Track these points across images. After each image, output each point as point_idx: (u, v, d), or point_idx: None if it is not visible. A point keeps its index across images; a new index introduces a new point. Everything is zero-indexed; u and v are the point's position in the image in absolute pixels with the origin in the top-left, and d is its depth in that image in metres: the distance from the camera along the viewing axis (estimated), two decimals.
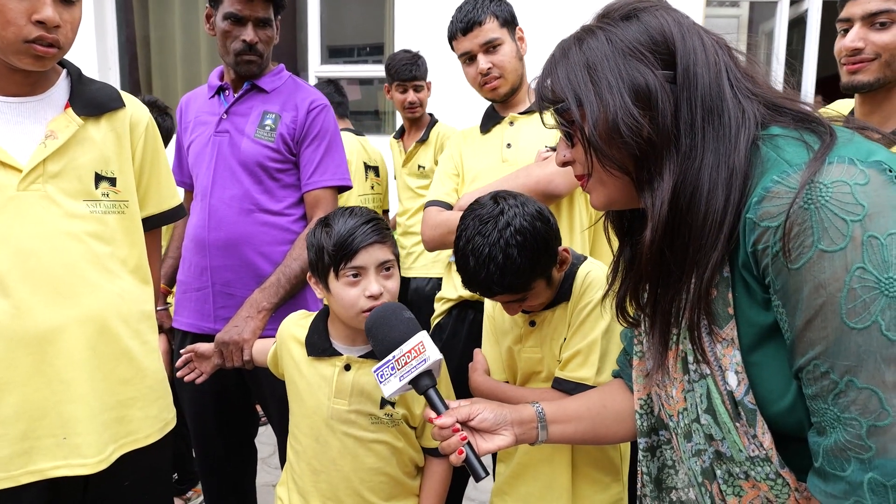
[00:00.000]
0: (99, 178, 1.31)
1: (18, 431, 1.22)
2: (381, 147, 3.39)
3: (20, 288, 1.20)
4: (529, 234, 1.21)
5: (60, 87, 1.31)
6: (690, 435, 0.90)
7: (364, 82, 5.09)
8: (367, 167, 3.20)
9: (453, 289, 1.88)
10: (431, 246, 1.82)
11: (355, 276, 1.28)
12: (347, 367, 1.35)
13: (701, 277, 0.80)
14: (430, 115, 3.23)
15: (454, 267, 1.90)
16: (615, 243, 1.03)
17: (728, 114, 0.80)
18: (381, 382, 1.13)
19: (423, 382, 1.11)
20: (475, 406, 1.10)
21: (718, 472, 0.86)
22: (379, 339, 1.16)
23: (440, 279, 2.13)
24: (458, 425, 1.07)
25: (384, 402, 1.34)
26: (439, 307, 1.95)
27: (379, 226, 1.31)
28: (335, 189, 1.92)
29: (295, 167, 1.90)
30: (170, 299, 2.18)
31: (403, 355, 1.11)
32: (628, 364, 1.13)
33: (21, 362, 1.21)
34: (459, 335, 1.85)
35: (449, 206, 1.84)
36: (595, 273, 1.34)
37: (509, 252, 1.19)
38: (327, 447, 1.35)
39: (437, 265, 2.99)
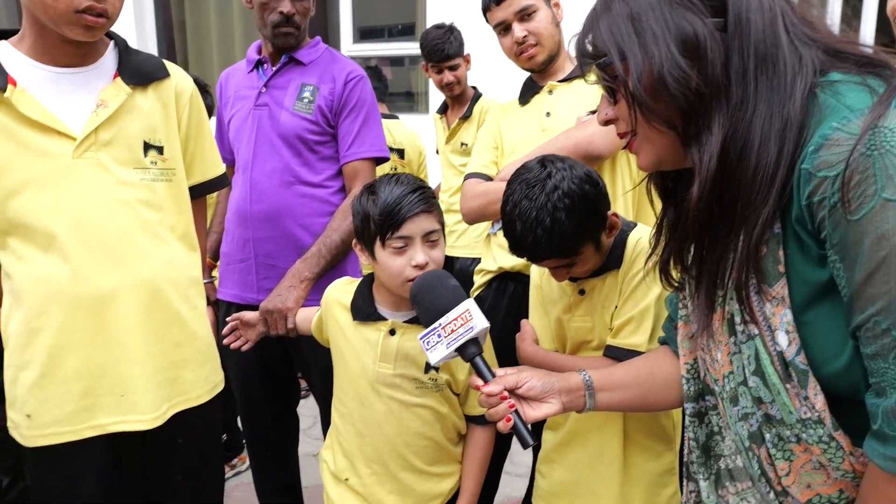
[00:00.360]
0: (147, 147, 1.35)
1: (81, 389, 1.28)
2: (416, 126, 3.39)
3: (78, 254, 1.25)
4: (578, 196, 1.19)
5: (109, 58, 1.35)
6: (737, 399, 0.87)
7: (395, 63, 5.09)
8: (389, 150, 3.21)
9: (493, 261, 1.87)
10: (470, 218, 1.81)
11: (401, 245, 1.28)
12: (392, 332, 1.36)
13: (750, 234, 0.77)
14: (474, 88, 3.14)
15: (493, 239, 1.93)
16: (658, 205, 1.00)
17: (783, 61, 0.76)
18: (427, 350, 1.13)
19: (469, 350, 1.10)
20: (522, 374, 1.09)
21: (767, 436, 0.84)
22: (424, 307, 1.16)
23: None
24: (506, 393, 1.06)
25: (428, 367, 1.34)
26: (479, 279, 1.94)
27: (425, 194, 1.30)
28: (373, 160, 1.94)
29: (333, 139, 1.91)
30: (214, 273, 2.23)
31: (450, 323, 1.11)
32: (674, 329, 1.10)
33: (82, 324, 1.26)
34: (499, 307, 1.85)
35: (488, 178, 1.82)
36: (646, 239, 1.30)
37: (557, 216, 1.18)
38: (372, 410, 1.37)
39: (480, 244, 2.99)
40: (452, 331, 1.10)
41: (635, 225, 1.38)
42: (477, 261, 3.00)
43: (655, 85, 0.78)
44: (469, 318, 1.10)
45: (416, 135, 3.34)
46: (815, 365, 0.77)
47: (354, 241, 1.39)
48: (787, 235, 0.76)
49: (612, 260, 1.33)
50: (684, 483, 1.03)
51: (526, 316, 1.48)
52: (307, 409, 3.42)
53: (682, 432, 1.41)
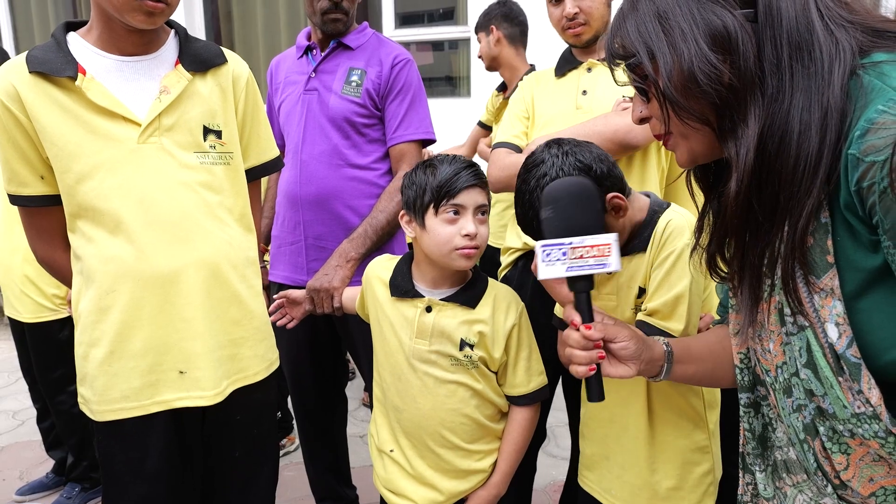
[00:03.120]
0: (207, 131, 1.38)
1: (147, 365, 1.33)
2: (459, 111, 3.39)
3: (144, 234, 1.30)
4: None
5: (170, 46, 1.39)
6: (790, 390, 0.85)
7: (436, 47, 5.09)
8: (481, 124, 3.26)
9: (516, 237, 1.87)
10: (497, 187, 1.81)
11: (455, 213, 1.33)
12: (429, 309, 1.39)
13: (795, 226, 0.75)
14: (532, 66, 3.07)
15: None
16: (700, 198, 0.99)
17: (819, 47, 0.74)
18: (542, 261, 1.01)
19: (581, 284, 1.01)
20: (622, 331, 1.04)
21: (821, 429, 0.82)
22: (562, 216, 1.02)
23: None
24: (601, 342, 1.02)
25: (463, 344, 1.37)
26: (505, 259, 1.94)
27: (478, 172, 1.37)
28: (419, 143, 1.96)
29: (380, 122, 1.94)
30: (266, 257, 2.28)
31: (584, 247, 0.99)
32: (728, 315, 1.08)
33: (148, 301, 1.31)
34: (526, 287, 1.84)
35: (517, 149, 1.82)
36: (677, 221, 1.31)
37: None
38: (408, 385, 1.40)
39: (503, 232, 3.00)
40: (581, 256, 0.99)
41: (668, 205, 1.36)
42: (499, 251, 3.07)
43: (686, 82, 0.78)
44: (607, 254, 0.99)
45: None
46: (871, 355, 0.74)
47: (402, 212, 1.42)
48: (836, 223, 0.74)
49: (640, 241, 1.33)
50: (741, 475, 1.02)
51: (553, 300, 1.47)
52: (351, 392, 3.50)
53: (726, 416, 1.42)
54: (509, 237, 1.94)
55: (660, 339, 1.13)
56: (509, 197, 2.40)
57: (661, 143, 1.69)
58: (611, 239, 0.99)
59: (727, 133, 0.79)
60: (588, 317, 1.02)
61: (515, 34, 2.99)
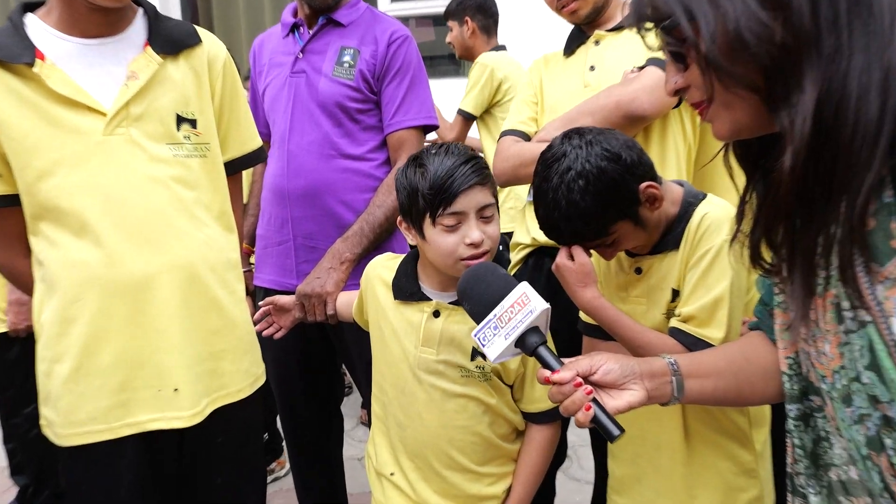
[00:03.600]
0: (180, 120, 1.38)
1: (117, 382, 1.32)
2: (460, 93, 3.41)
3: (112, 236, 1.30)
4: (593, 176, 1.23)
5: (138, 26, 1.39)
6: (850, 398, 0.83)
7: (438, 22, 5.08)
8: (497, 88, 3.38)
9: (526, 233, 1.87)
10: (502, 180, 1.81)
11: (454, 223, 1.30)
12: (437, 314, 1.38)
13: (853, 205, 0.73)
14: (502, 46, 3.36)
15: (529, 210, 1.90)
16: (739, 179, 0.97)
17: (878, 2, 0.73)
18: (483, 346, 1.12)
19: (531, 340, 1.10)
20: (596, 357, 1.07)
21: (888, 442, 0.79)
22: (475, 299, 1.17)
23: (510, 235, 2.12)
24: (580, 379, 1.03)
25: (475, 354, 1.36)
26: (514, 256, 1.95)
27: (478, 165, 1.32)
28: (421, 129, 1.95)
29: (376, 107, 1.94)
30: (251, 259, 2.28)
31: (506, 311, 1.11)
32: (768, 315, 1.08)
33: (118, 311, 1.31)
34: (537, 287, 1.80)
35: (525, 137, 1.82)
36: (714, 214, 1.30)
37: (572, 198, 1.23)
38: (413, 399, 1.39)
39: (507, 218, 3.02)
40: (509, 319, 1.10)
41: (704, 196, 1.36)
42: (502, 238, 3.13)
43: (732, 44, 0.76)
44: (526, 302, 1.10)
45: (522, 67, 3.39)
46: None
47: (399, 218, 1.42)
48: None
49: (673, 237, 1.33)
50: (789, 499, 1.00)
51: (566, 298, 1.46)
52: (348, 409, 3.50)
53: (775, 433, 1.40)
54: (518, 232, 1.93)
55: (663, 355, 1.12)
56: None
57: (681, 115, 1.72)
58: (522, 288, 1.12)
59: (779, 100, 0.77)
60: (555, 364, 1.06)
61: (489, 24, 3.38)
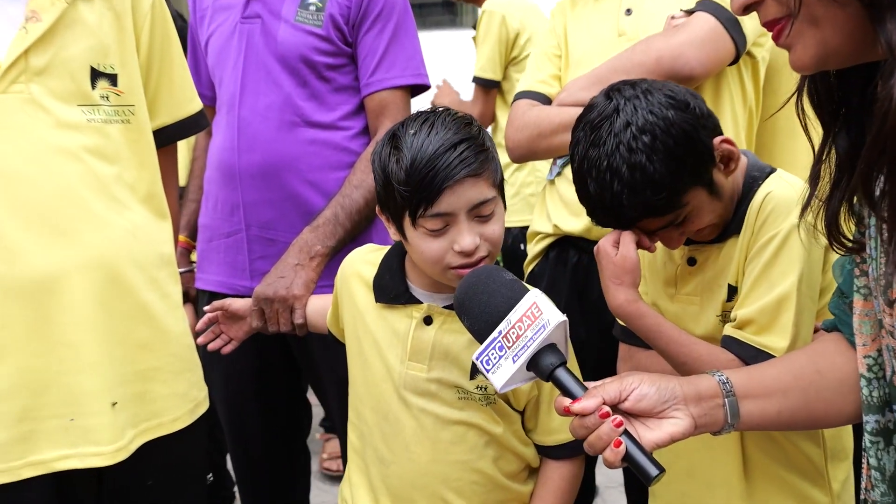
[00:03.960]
0: (96, 75, 1.36)
1: (16, 410, 1.29)
2: (460, 46, 3.40)
3: (8, 224, 1.27)
4: (660, 129, 1.21)
5: None
6: None
7: None
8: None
9: (547, 220, 1.88)
10: (517, 154, 1.82)
11: (439, 227, 1.27)
12: (428, 321, 1.37)
13: None
14: None
15: (550, 190, 1.94)
16: (815, 133, 0.97)
17: None
18: (487, 373, 1.13)
19: (545, 361, 1.09)
20: (627, 380, 1.07)
21: None
22: (475, 314, 1.16)
23: (526, 229, 2.14)
24: (607, 408, 1.03)
25: (476, 371, 1.34)
26: (532, 248, 1.96)
27: (473, 146, 1.27)
28: (407, 90, 1.94)
29: (351, 62, 1.92)
30: (193, 257, 2.27)
31: (513, 327, 1.10)
32: (848, 309, 1.07)
33: (16, 320, 1.28)
34: (560, 285, 1.86)
35: (545, 100, 1.82)
36: (781, 193, 1.30)
37: (636, 160, 1.21)
38: (398, 427, 1.39)
39: (522, 206, 3.01)
40: (517, 337, 1.10)
41: (770, 171, 1.37)
42: (514, 232, 3.10)
43: None
44: (537, 315, 1.09)
45: (542, 14, 3.39)
46: None
47: (378, 208, 1.40)
48: None
49: (734, 221, 1.34)
50: None
51: (595, 297, 1.48)
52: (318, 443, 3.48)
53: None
54: (538, 219, 1.94)
55: (712, 372, 1.11)
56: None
57: (740, 71, 1.73)
58: (532, 297, 1.11)
59: (885, 9, 0.77)
60: (577, 390, 1.07)
61: None
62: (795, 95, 0.97)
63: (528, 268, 1.96)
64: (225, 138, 1.94)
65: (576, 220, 1.79)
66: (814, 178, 0.96)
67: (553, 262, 1.88)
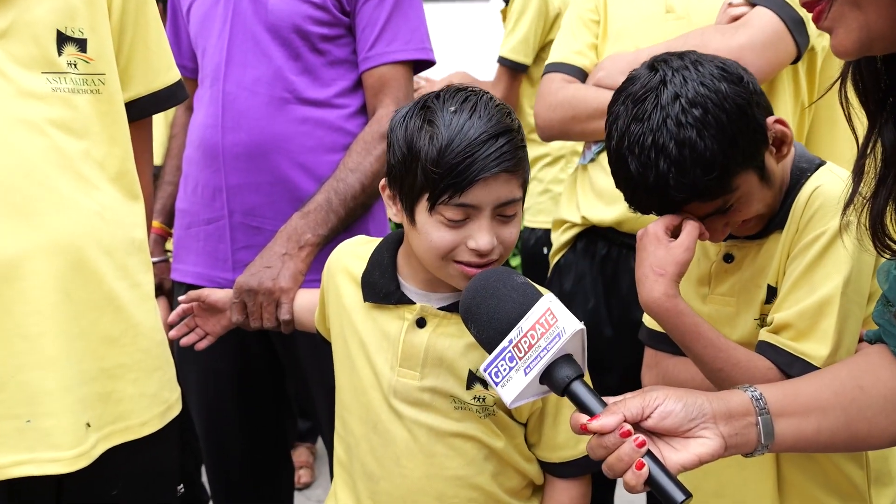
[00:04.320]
0: (63, 40, 1.34)
1: None
2: (469, 19, 3.39)
3: None
4: (713, 102, 1.22)
5: None
6: None
7: None
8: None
9: (576, 209, 1.88)
10: (547, 134, 1.83)
11: (460, 219, 1.27)
12: (421, 323, 1.38)
13: None
14: None
15: (581, 177, 1.95)
16: (859, 123, 0.98)
17: None
18: (497, 385, 1.13)
19: (561, 373, 1.09)
20: (650, 395, 1.07)
21: None
22: (485, 323, 1.16)
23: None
24: (628, 427, 1.03)
25: (473, 380, 1.35)
26: (558, 237, 1.97)
27: (514, 140, 1.28)
28: (410, 66, 1.94)
29: (349, 33, 1.92)
30: (168, 245, 2.27)
31: (525, 335, 1.10)
32: (894, 319, 1.08)
33: None
34: (586, 280, 1.87)
35: (581, 74, 1.83)
36: (830, 188, 1.30)
37: (685, 136, 1.21)
38: (389, 439, 1.39)
39: (551, 206, 3.03)
40: (530, 346, 1.10)
41: (818, 164, 1.39)
42: (539, 234, 3.13)
43: None
44: (552, 322, 1.09)
45: None
46: None
47: (384, 182, 1.39)
48: None
49: (778, 216, 1.35)
50: None
51: (625, 293, 1.47)
52: (307, 455, 3.47)
53: None
54: (565, 206, 1.95)
55: (744, 387, 1.11)
56: (561, 147, 2.36)
57: (796, 68, 1.71)
58: (547, 303, 1.11)
59: None
60: (596, 405, 1.07)
61: None
62: (839, 82, 0.98)
63: (554, 258, 1.98)
64: (207, 115, 1.94)
65: (607, 210, 1.80)
66: (857, 174, 0.97)
67: (580, 253, 1.89)
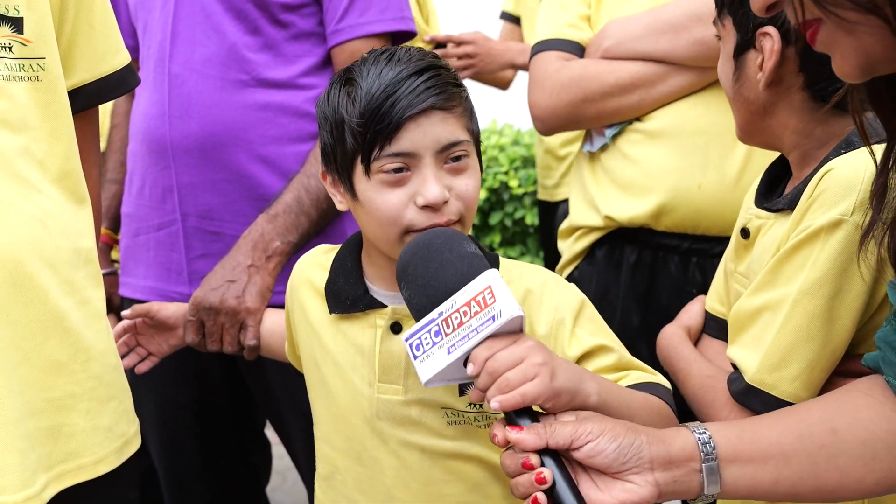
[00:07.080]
0: None
1: None
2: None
3: None
4: None
5: None
6: None
7: None
8: None
9: (592, 209, 1.86)
10: (551, 124, 1.83)
11: (398, 169, 1.29)
12: (396, 328, 1.39)
13: None
14: None
15: (595, 166, 1.91)
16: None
17: None
18: (415, 359, 1.15)
19: None
20: (586, 425, 1.08)
21: None
22: (419, 287, 1.18)
23: None
24: (535, 459, 1.07)
25: (466, 385, 1.29)
26: (570, 247, 1.95)
27: (443, 75, 1.31)
28: (387, 39, 1.95)
29: (315, 2, 1.92)
30: (115, 254, 2.27)
31: (457, 311, 1.12)
32: None
33: None
34: (611, 295, 1.86)
35: (578, 50, 1.83)
36: (841, 173, 1.27)
37: None
38: (377, 471, 1.40)
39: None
40: (460, 324, 1.11)
41: (858, 146, 1.35)
42: None
43: None
44: (490, 301, 1.10)
45: None
46: None
47: (322, 170, 1.42)
48: None
49: (794, 194, 1.37)
50: None
51: (664, 302, 1.47)
52: (286, 493, 3.49)
53: None
54: (575, 209, 1.93)
55: (693, 426, 1.13)
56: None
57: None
58: (488, 279, 1.12)
59: None
60: (521, 416, 1.10)
61: None
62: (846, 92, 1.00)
63: (564, 272, 1.95)
64: (151, 102, 1.95)
65: (639, 204, 1.77)
66: (879, 195, 0.98)
67: (602, 263, 1.86)
